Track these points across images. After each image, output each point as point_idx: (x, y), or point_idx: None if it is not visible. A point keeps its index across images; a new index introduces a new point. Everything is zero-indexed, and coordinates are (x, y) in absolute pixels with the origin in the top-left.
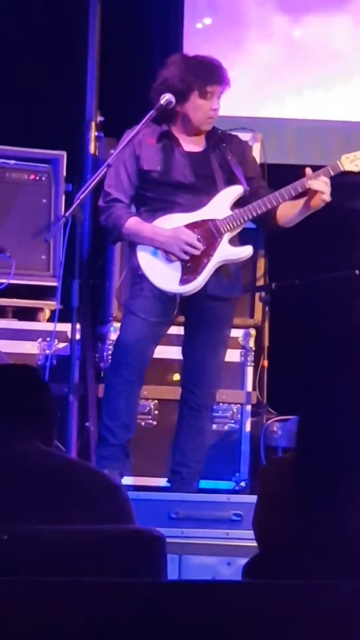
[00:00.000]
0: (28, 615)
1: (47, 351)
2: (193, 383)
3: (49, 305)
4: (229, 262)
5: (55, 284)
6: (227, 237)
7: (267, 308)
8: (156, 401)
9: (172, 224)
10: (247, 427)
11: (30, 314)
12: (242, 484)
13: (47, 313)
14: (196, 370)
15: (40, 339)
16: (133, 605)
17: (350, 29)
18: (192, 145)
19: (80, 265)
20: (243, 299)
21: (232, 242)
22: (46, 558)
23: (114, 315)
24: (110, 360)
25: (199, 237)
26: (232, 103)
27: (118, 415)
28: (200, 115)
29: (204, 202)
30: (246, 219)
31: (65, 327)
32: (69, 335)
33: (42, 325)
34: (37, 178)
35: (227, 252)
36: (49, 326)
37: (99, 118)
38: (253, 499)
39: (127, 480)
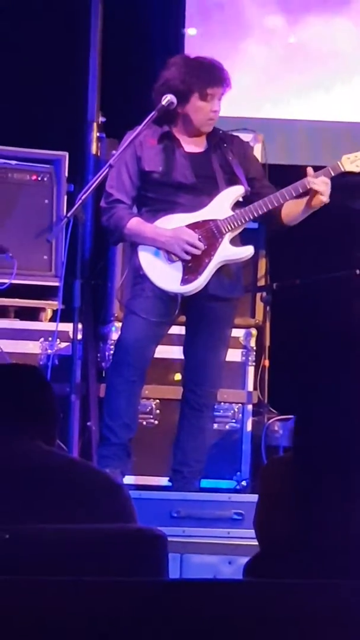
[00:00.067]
0: (29, 615)
1: (49, 351)
2: (194, 382)
3: (50, 305)
4: (230, 262)
5: (57, 284)
6: (228, 237)
7: (268, 308)
8: (157, 401)
9: (174, 224)
10: (248, 427)
11: (32, 314)
12: (243, 483)
13: (49, 313)
14: (197, 370)
15: (42, 339)
16: (134, 605)
17: (351, 30)
18: (193, 146)
19: (82, 265)
20: (244, 299)
21: (233, 242)
22: (47, 557)
23: (116, 315)
24: (111, 360)
25: (200, 237)
26: (233, 103)
27: (119, 414)
28: (200, 117)
29: (205, 202)
30: (247, 219)
31: (67, 327)
32: (71, 335)
33: (44, 325)
34: (39, 178)
35: (228, 252)
36: (51, 326)
37: (101, 119)
38: (254, 498)
39: (128, 480)
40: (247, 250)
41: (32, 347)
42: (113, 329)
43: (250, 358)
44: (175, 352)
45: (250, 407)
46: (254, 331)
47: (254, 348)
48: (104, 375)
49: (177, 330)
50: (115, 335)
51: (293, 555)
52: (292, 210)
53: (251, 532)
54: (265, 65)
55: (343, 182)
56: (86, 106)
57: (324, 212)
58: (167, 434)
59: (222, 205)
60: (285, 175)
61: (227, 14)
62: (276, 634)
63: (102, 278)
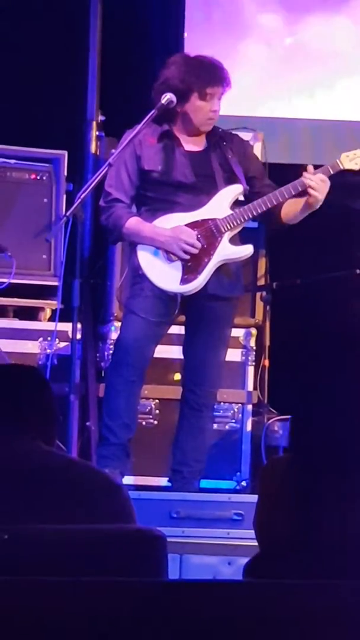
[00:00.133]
0: (29, 615)
1: (48, 350)
2: (194, 382)
3: (49, 305)
4: (229, 261)
5: (56, 283)
6: (227, 236)
7: (268, 307)
8: (157, 400)
9: (173, 223)
10: (248, 427)
11: (31, 314)
12: (243, 483)
13: (48, 312)
14: (197, 370)
15: (41, 339)
16: (134, 605)
17: (351, 29)
18: (192, 144)
19: (81, 264)
20: (244, 299)
21: (232, 241)
22: (47, 558)
23: (115, 314)
24: (110, 360)
25: (199, 236)
26: (233, 102)
27: (119, 414)
28: (200, 116)
29: (204, 201)
30: (246, 218)
31: (66, 326)
32: (70, 335)
33: (43, 325)
34: (38, 177)
35: (228, 251)
36: (50, 326)
37: (100, 117)
38: (254, 498)
39: (128, 480)
40: (247, 250)
41: (31, 347)
42: (112, 328)
43: (250, 358)
44: (174, 352)
45: (250, 407)
46: (253, 331)
47: (254, 348)
48: (103, 375)
49: (177, 330)
50: (114, 335)
51: (293, 555)
52: (292, 209)
53: (251, 533)
54: (266, 64)
55: (343, 181)
56: (85, 105)
57: (324, 212)
58: (166, 434)
59: (221, 204)
60: (285, 174)
61: (227, 13)
62: (276, 635)
63: (101, 277)
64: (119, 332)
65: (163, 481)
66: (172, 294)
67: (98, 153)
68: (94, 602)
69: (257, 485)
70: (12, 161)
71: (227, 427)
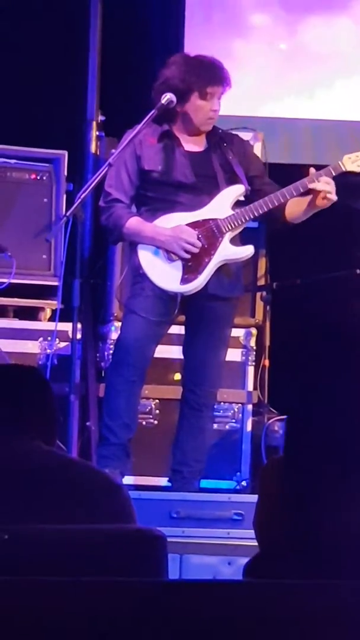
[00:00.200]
0: (28, 615)
1: (48, 350)
2: (194, 382)
3: (50, 305)
4: (230, 261)
5: (56, 283)
6: (228, 236)
7: (268, 307)
8: (157, 400)
9: (173, 223)
10: (248, 427)
11: (31, 314)
12: (243, 483)
13: (48, 312)
14: (197, 370)
15: (41, 339)
16: (134, 605)
17: (352, 29)
18: (193, 145)
19: (81, 264)
20: (244, 299)
21: (233, 241)
22: (47, 558)
23: (115, 314)
24: (111, 360)
25: (199, 236)
26: (233, 102)
27: (119, 414)
28: (200, 115)
29: (205, 201)
30: (247, 218)
31: (66, 326)
32: (70, 335)
33: (43, 325)
34: (38, 177)
35: (229, 251)
36: (50, 325)
37: (100, 117)
38: (254, 498)
39: (128, 480)
40: (247, 250)
41: (31, 347)
42: (112, 328)
43: (250, 358)
44: (174, 352)
45: (250, 407)
46: (254, 331)
47: (254, 348)
48: (103, 375)
49: (177, 329)
50: (114, 335)
51: (293, 555)
52: (296, 208)
53: (251, 533)
54: (266, 64)
55: (344, 181)
56: (85, 105)
57: (325, 212)
58: (166, 434)
59: (222, 204)
60: (285, 174)
61: (227, 13)
62: (276, 635)
63: (102, 277)
64: (119, 332)
65: (163, 481)
66: (172, 294)
67: (98, 153)
68: (94, 602)
69: (257, 485)
70: (12, 161)
71: (227, 427)
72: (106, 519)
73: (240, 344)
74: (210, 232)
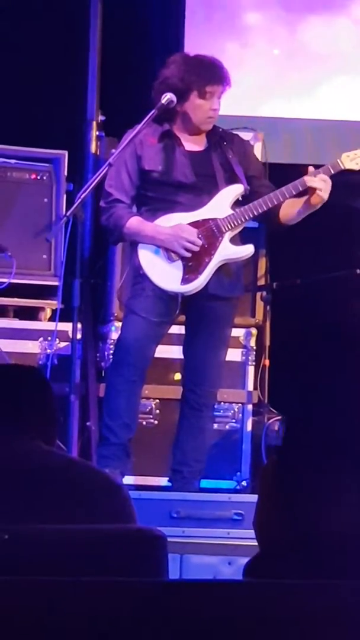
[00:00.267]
0: (28, 615)
1: (48, 350)
2: (194, 382)
3: (50, 305)
4: (230, 261)
5: (56, 283)
6: (228, 236)
7: (268, 307)
8: (157, 400)
9: (173, 223)
10: (248, 427)
11: (31, 314)
12: (244, 483)
13: (48, 312)
14: (197, 370)
15: (41, 339)
16: (134, 605)
17: (351, 29)
18: (193, 144)
19: (82, 264)
20: (244, 298)
21: (233, 241)
22: (47, 558)
23: (115, 314)
24: (111, 360)
25: (200, 235)
26: (234, 102)
27: (119, 414)
28: (199, 115)
29: (204, 201)
30: (247, 217)
31: (67, 326)
32: (70, 335)
33: (43, 325)
34: (39, 177)
35: (229, 251)
36: (50, 325)
37: (100, 117)
38: (254, 498)
39: (128, 480)
40: (247, 249)
41: (32, 347)
42: (112, 328)
43: (250, 358)
44: (174, 352)
45: (250, 407)
46: (254, 331)
47: (254, 348)
48: (103, 375)
49: (177, 329)
50: (114, 335)
51: (293, 555)
52: (290, 209)
53: (251, 533)
54: (266, 64)
55: (344, 180)
56: (86, 105)
57: (325, 211)
58: (166, 434)
59: (222, 204)
60: (285, 174)
61: (227, 13)
62: (276, 635)
63: (102, 277)
64: (119, 332)
65: (163, 481)
66: (172, 294)
67: (98, 153)
68: (94, 602)
69: (257, 485)
70: (13, 161)
71: (227, 427)
72: (106, 519)
73: (241, 344)
74: (210, 232)
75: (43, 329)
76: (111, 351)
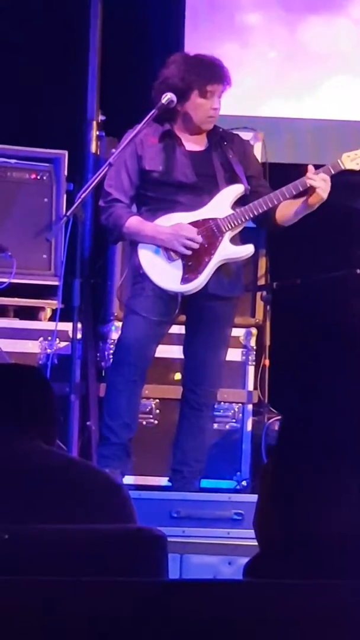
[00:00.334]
0: (28, 615)
1: (49, 350)
2: (194, 382)
3: (50, 305)
4: (230, 261)
5: (56, 283)
6: (228, 235)
7: (268, 307)
8: (157, 400)
9: (173, 223)
10: (249, 426)
11: (31, 313)
12: (244, 483)
13: (49, 312)
14: (197, 370)
15: (41, 338)
16: (134, 605)
17: (352, 29)
18: (193, 144)
19: (82, 264)
20: (244, 298)
21: (233, 241)
22: (47, 557)
23: (115, 314)
24: (111, 360)
25: (199, 235)
26: (234, 102)
27: (119, 414)
28: (200, 114)
29: (205, 201)
30: (247, 217)
31: (67, 326)
32: (70, 335)
33: (44, 325)
34: (39, 177)
35: (229, 251)
36: (50, 325)
37: (100, 117)
38: (254, 498)
39: (128, 480)
40: (248, 249)
41: (32, 347)
42: (112, 328)
43: (250, 357)
44: (175, 352)
45: (250, 406)
46: (254, 330)
47: (254, 347)
48: (103, 374)
49: (177, 329)
50: (114, 335)
51: (293, 555)
52: (287, 210)
53: (251, 533)
54: (266, 64)
55: (344, 181)
56: (86, 105)
57: (325, 211)
58: (166, 434)
59: (222, 203)
60: (286, 174)
61: (227, 13)
62: (276, 635)
63: (102, 277)
64: (119, 331)
65: (163, 481)
66: (172, 294)
67: (98, 153)
68: (94, 602)
69: (257, 485)
70: (13, 161)
71: (227, 426)
72: (106, 518)
73: (241, 344)
74: (210, 232)
75: (43, 328)
76: (111, 351)
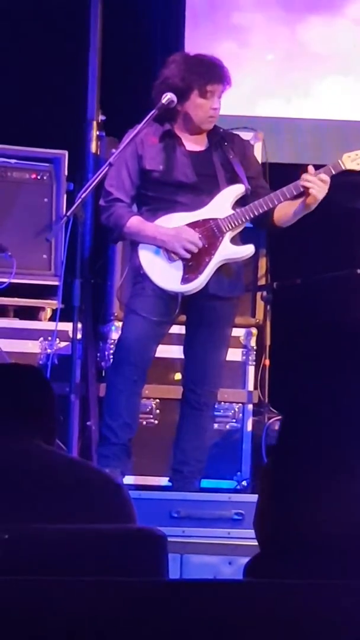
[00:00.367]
0: (28, 615)
1: (49, 350)
2: (194, 382)
3: (50, 305)
4: (230, 261)
5: (56, 283)
6: (228, 236)
7: (268, 307)
8: (158, 400)
9: (174, 223)
10: (249, 426)
11: (31, 313)
12: (244, 483)
13: (49, 312)
14: (197, 370)
15: (41, 338)
16: (134, 605)
17: (352, 29)
18: (194, 144)
19: (82, 264)
20: (245, 298)
21: (233, 241)
22: (47, 557)
23: (115, 314)
24: (111, 360)
25: (200, 236)
26: (234, 102)
27: (119, 414)
28: (200, 114)
29: (205, 201)
30: (247, 218)
31: (67, 326)
32: (70, 335)
33: (44, 325)
34: (39, 177)
35: (229, 251)
36: (51, 325)
37: (101, 117)
38: (254, 498)
39: (128, 479)
40: (248, 249)
41: (32, 347)
42: (113, 328)
43: (250, 357)
44: (175, 352)
45: (250, 406)
46: (254, 330)
47: (255, 347)
48: (103, 374)
49: (177, 329)
50: (114, 335)
51: (293, 555)
52: (285, 210)
53: (251, 532)
54: (267, 64)
55: (344, 181)
56: (86, 104)
57: (325, 211)
58: (167, 434)
59: (222, 204)
60: (286, 174)
61: (227, 13)
62: (276, 635)
63: (102, 277)
64: (119, 331)
65: (163, 481)
66: (173, 294)
67: (98, 153)
68: (94, 602)
69: (257, 485)
70: (13, 161)
71: (227, 426)
72: (106, 518)
73: (241, 344)
74: (210, 232)
75: (43, 328)
76: (111, 351)
